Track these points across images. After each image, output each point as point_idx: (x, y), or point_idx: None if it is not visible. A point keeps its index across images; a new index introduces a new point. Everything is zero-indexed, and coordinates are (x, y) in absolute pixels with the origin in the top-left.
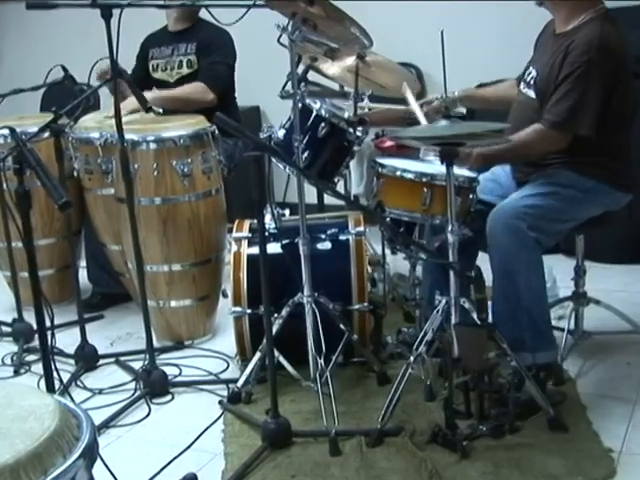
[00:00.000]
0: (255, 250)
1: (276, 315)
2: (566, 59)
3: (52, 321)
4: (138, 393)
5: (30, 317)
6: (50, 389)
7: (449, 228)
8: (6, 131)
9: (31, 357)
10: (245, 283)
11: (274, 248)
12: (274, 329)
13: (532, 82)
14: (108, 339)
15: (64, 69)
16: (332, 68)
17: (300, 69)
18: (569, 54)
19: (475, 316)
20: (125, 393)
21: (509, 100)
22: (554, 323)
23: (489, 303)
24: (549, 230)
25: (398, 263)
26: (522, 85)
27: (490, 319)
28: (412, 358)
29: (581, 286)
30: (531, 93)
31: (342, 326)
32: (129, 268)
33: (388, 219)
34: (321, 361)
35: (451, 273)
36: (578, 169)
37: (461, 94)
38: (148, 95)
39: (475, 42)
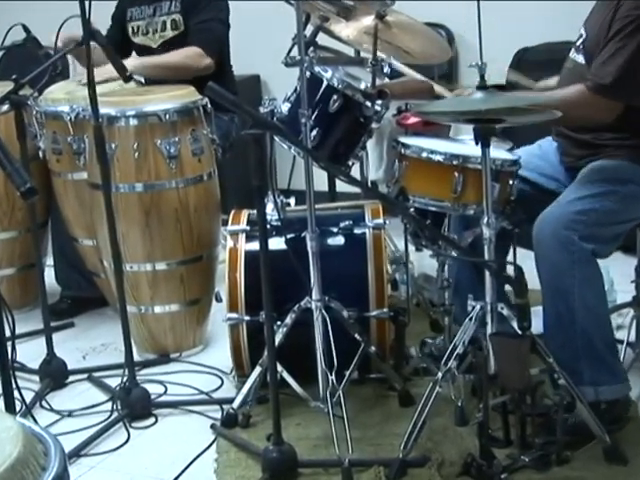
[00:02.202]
0: (255, 246)
1: (279, 323)
2: (617, 14)
3: (12, 330)
4: (115, 416)
5: None
6: (10, 411)
7: (485, 220)
8: None
9: None
10: (242, 285)
11: (277, 243)
12: (277, 339)
13: (581, 46)
14: (80, 351)
15: (25, 29)
16: (346, 30)
17: (308, 31)
18: (621, 8)
19: (515, 325)
20: (100, 415)
21: None
22: None
23: (532, 310)
24: (606, 236)
25: (424, 262)
26: (572, 51)
27: (537, 329)
28: (440, 374)
29: None
30: (580, 58)
31: (357, 336)
32: (105, 267)
33: (412, 209)
34: (332, 377)
35: (487, 274)
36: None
37: None
38: (130, 62)
39: None
